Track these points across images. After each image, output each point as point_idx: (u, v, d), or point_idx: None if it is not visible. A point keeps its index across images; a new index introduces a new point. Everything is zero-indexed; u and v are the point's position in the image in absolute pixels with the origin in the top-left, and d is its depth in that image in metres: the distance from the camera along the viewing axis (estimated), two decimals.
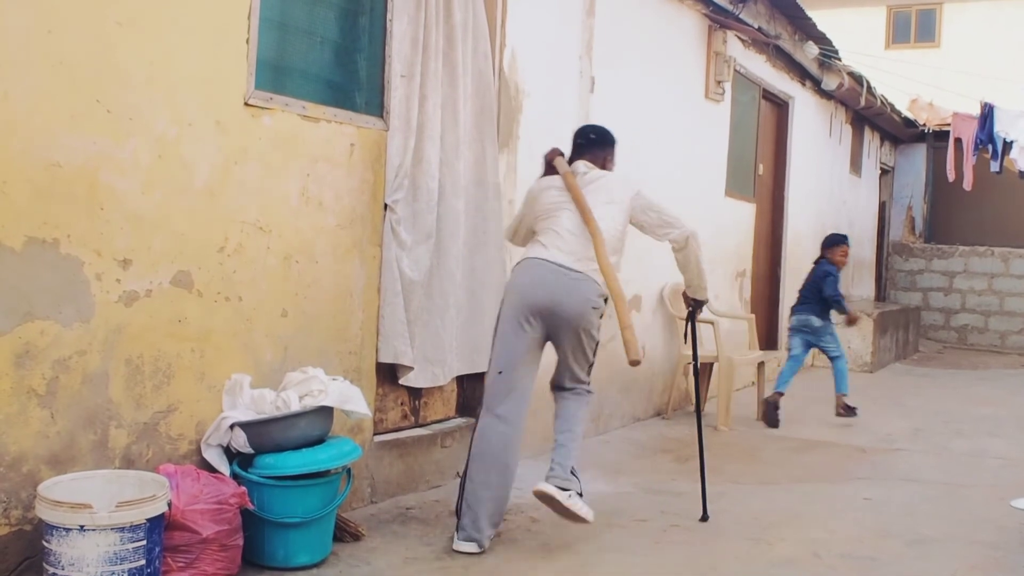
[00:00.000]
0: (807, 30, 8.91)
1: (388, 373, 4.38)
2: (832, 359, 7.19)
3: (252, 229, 3.61)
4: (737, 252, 8.25)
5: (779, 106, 9.33)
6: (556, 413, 4.02)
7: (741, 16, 7.31)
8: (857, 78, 10.27)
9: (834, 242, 7.28)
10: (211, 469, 3.35)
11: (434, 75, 4.32)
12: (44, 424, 2.96)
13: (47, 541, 2.76)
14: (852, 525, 4.34)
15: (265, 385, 3.60)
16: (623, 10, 6.07)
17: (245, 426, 3.37)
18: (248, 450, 3.39)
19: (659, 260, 5.61)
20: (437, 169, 4.35)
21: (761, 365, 7.20)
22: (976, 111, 11.00)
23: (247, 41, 3.55)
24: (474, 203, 4.64)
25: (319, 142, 3.90)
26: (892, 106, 11.94)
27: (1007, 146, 10.80)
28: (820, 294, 7.06)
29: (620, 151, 4.27)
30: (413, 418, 4.66)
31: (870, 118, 12.06)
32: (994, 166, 11.10)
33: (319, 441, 3.51)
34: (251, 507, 3.24)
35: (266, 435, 3.38)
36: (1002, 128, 10.77)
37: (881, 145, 13.33)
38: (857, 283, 12.36)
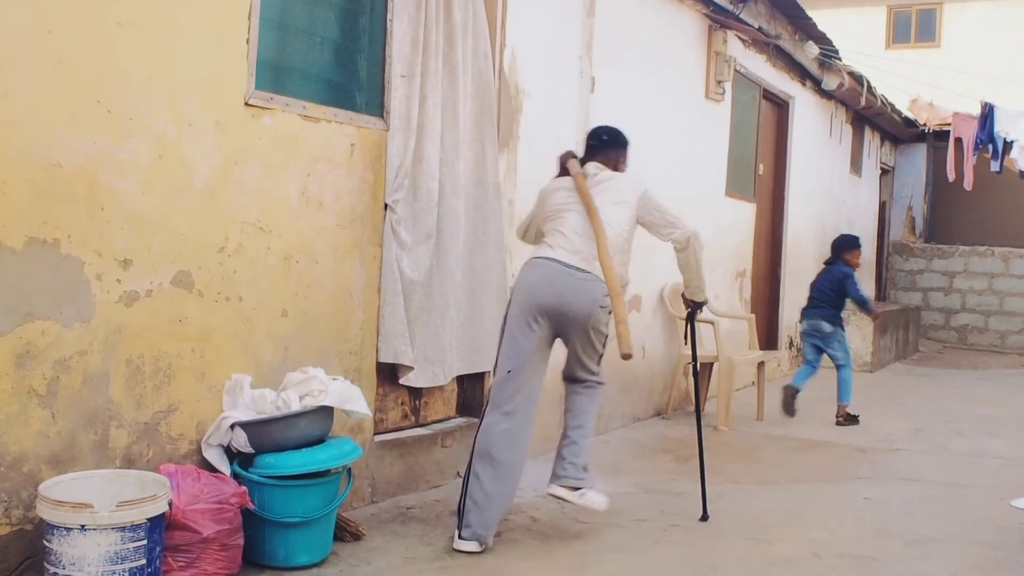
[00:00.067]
0: (807, 30, 8.91)
1: (388, 373, 4.38)
2: (837, 367, 7.08)
3: (252, 229, 3.61)
4: (737, 252, 8.25)
5: (779, 106, 9.33)
6: (567, 407, 4.09)
7: (741, 16, 7.31)
8: (857, 78, 10.28)
9: (851, 245, 7.24)
10: (212, 469, 3.36)
11: (434, 75, 4.32)
12: (45, 424, 2.96)
13: (48, 541, 2.76)
14: (852, 525, 4.34)
15: (265, 385, 3.61)
16: (623, 10, 6.07)
17: (245, 426, 3.38)
18: (248, 450, 3.39)
19: (659, 260, 5.62)
20: (437, 169, 4.35)
21: (761, 365, 7.20)
22: (976, 111, 11.00)
23: (247, 41, 3.55)
24: (474, 203, 4.65)
25: (319, 142, 3.90)
26: (892, 106, 11.94)
27: (1007, 146, 10.80)
28: (835, 297, 7.04)
29: None
30: (413, 418, 4.66)
31: (870, 118, 12.06)
32: (994, 166, 11.10)
33: (319, 441, 3.51)
34: (252, 507, 3.25)
35: (266, 435, 3.39)
36: (1002, 128, 10.76)
37: (881, 145, 13.33)
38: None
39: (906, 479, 5.32)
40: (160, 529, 2.89)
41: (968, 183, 11.32)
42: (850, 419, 6.97)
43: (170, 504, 2.95)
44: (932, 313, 13.87)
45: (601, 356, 4.05)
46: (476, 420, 4.78)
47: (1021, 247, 13.47)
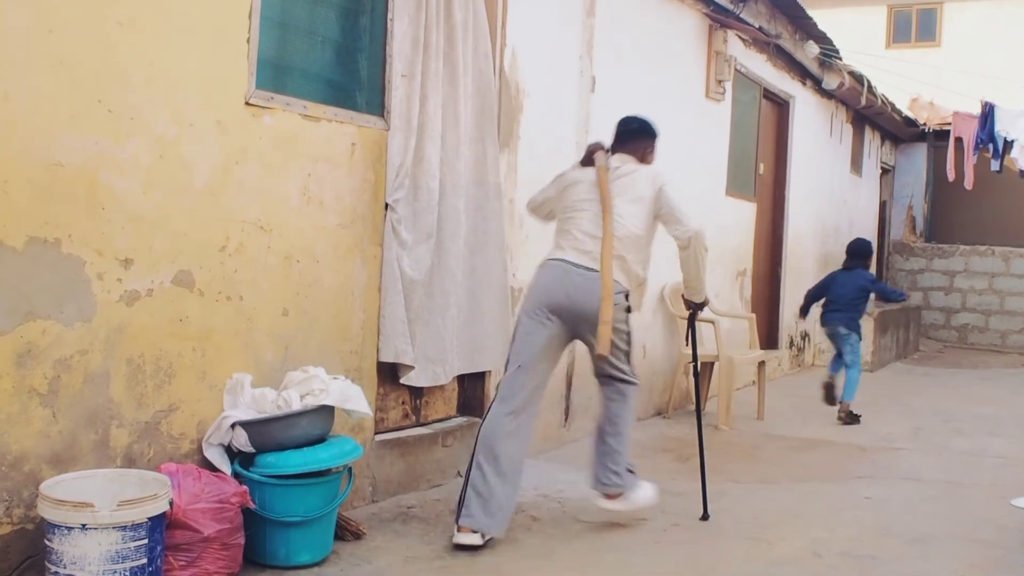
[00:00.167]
0: (808, 29, 8.91)
1: (389, 372, 4.38)
2: (847, 366, 7.17)
3: (253, 229, 3.62)
4: (738, 251, 8.25)
5: (780, 105, 9.33)
6: (601, 412, 4.15)
7: (742, 15, 7.31)
8: (858, 77, 10.27)
9: (871, 251, 7.55)
10: (212, 468, 3.36)
11: (435, 75, 4.32)
12: (46, 423, 2.96)
13: (49, 540, 2.77)
14: (852, 524, 4.34)
15: (266, 384, 3.61)
16: (623, 10, 6.07)
17: (246, 425, 3.38)
18: (249, 449, 3.39)
19: (659, 260, 5.61)
20: (438, 169, 4.35)
21: (761, 364, 7.20)
22: (977, 110, 11.00)
23: (248, 41, 3.55)
24: (475, 203, 4.65)
25: (320, 142, 3.90)
26: (893, 105, 11.94)
27: (1008, 145, 10.79)
28: (858, 302, 7.24)
29: None
30: (414, 417, 4.66)
31: (871, 117, 12.06)
32: (995, 165, 11.10)
33: (320, 440, 3.52)
34: (252, 506, 3.25)
35: (267, 434, 3.39)
36: (1003, 127, 10.75)
37: (882, 144, 13.33)
38: None
39: (906, 478, 5.32)
40: (161, 528, 2.89)
41: (968, 182, 11.32)
42: (852, 418, 6.99)
43: (171, 503, 2.95)
44: (932, 312, 13.87)
45: (628, 354, 4.09)
46: (477, 419, 4.80)
47: (1021, 246, 13.47)
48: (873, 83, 10.83)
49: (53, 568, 2.75)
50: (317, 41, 4.03)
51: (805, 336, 10.31)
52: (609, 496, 4.08)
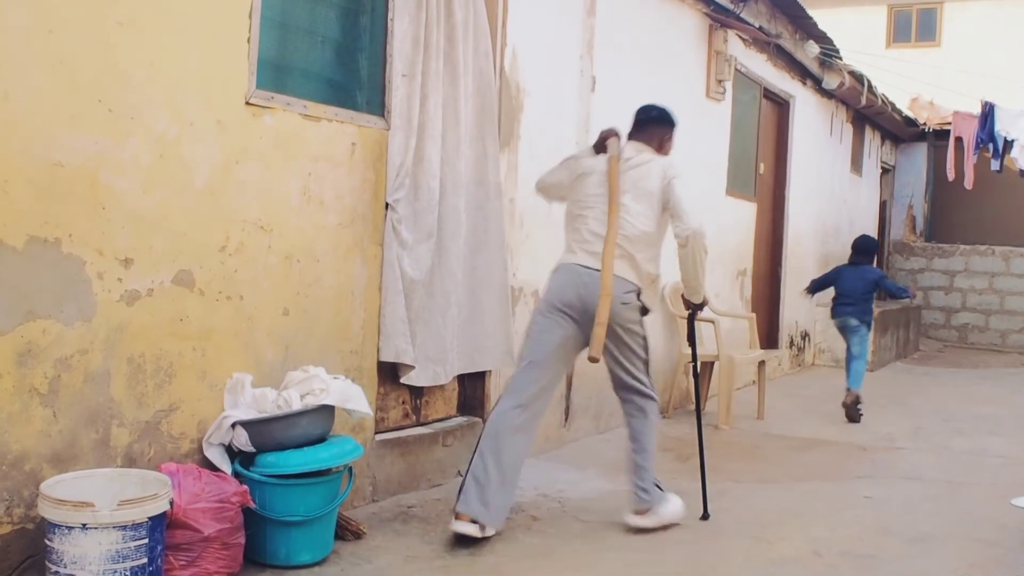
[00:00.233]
0: (808, 29, 8.91)
1: (389, 372, 4.38)
2: (853, 357, 7.24)
3: (253, 228, 3.62)
4: (738, 251, 8.25)
5: (780, 105, 9.33)
6: (628, 434, 4.12)
7: (742, 15, 7.32)
8: (858, 77, 10.27)
9: (877, 248, 7.69)
10: (213, 468, 3.36)
11: (435, 74, 4.32)
12: (46, 423, 2.96)
13: (49, 539, 2.77)
14: (853, 523, 4.34)
15: (266, 384, 3.61)
16: (624, 9, 6.07)
17: (247, 425, 3.38)
18: (250, 449, 3.39)
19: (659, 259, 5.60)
20: (438, 168, 4.35)
21: (762, 364, 7.20)
22: (977, 110, 11.00)
23: (248, 40, 3.55)
24: (475, 202, 4.65)
25: (320, 141, 3.90)
26: (893, 105, 11.94)
27: (1008, 145, 10.79)
28: (868, 296, 7.31)
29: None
30: (414, 417, 4.66)
31: (871, 117, 12.06)
32: (995, 165, 11.09)
33: (320, 440, 3.52)
34: (253, 506, 3.25)
35: (268, 434, 3.39)
36: (1003, 127, 10.75)
37: (882, 144, 13.33)
38: None
39: (906, 477, 5.32)
40: (161, 528, 2.90)
41: (968, 182, 11.32)
42: (854, 407, 6.97)
43: (171, 503, 2.95)
44: (932, 312, 13.87)
45: (646, 362, 4.06)
46: (477, 419, 4.81)
47: (1022, 246, 13.47)
48: (873, 83, 10.83)
49: (53, 568, 2.75)
50: (317, 41, 4.03)
51: (805, 336, 10.31)
52: (638, 512, 4.06)
